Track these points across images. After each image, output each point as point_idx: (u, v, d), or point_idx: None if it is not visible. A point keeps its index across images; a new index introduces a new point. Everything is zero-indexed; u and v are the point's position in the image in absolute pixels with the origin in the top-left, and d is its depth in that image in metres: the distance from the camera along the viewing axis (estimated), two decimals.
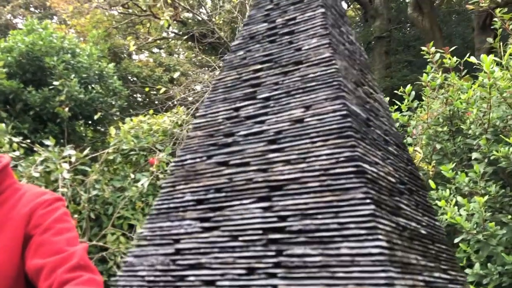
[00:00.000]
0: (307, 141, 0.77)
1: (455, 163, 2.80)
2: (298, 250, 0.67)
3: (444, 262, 0.85)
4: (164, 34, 9.33)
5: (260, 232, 0.72)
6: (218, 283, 0.71)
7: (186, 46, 10.20)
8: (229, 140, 0.86)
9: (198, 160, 0.87)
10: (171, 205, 0.85)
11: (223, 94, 0.93)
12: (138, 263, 0.81)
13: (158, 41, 9.63)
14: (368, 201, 0.66)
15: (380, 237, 0.62)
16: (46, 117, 4.47)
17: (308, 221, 0.69)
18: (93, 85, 4.80)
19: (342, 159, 0.71)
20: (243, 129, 0.85)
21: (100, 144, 4.91)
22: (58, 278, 1.02)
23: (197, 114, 0.95)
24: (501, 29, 3.27)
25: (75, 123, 4.66)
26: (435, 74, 3.77)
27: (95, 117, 4.43)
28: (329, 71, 0.81)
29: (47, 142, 3.69)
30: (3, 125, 3.61)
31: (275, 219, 0.72)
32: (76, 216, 3.28)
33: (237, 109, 0.90)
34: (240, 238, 0.74)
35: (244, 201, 0.77)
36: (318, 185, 0.71)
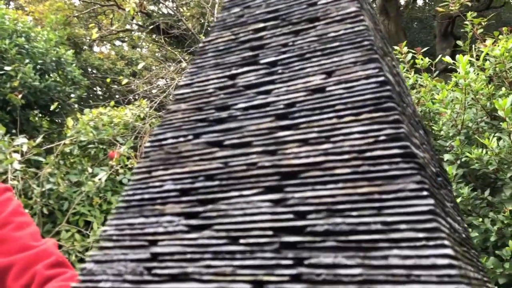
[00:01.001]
0: (332, 115, 0.59)
1: None
2: (327, 258, 0.49)
3: (482, 272, 0.69)
4: (128, 26, 8.98)
5: (270, 233, 0.54)
6: None
7: (150, 39, 9.85)
8: (223, 114, 0.67)
9: (182, 139, 0.68)
10: (146, 196, 0.65)
11: (214, 59, 0.74)
12: (100, 271, 0.61)
13: (122, 33, 9.26)
14: (425, 193, 0.48)
15: (445, 242, 0.45)
16: None
17: (338, 220, 0.51)
18: (50, 73, 4.46)
19: (382, 138, 0.54)
20: (242, 101, 0.67)
21: (57, 135, 4.57)
22: (38, 276, 1.00)
23: (180, 83, 0.75)
24: (471, 33, 3.24)
25: (29, 112, 4.31)
26: (407, 74, 3.69)
27: (52, 107, 4.11)
28: (357, 28, 0.63)
29: None
30: None
31: (290, 215, 0.54)
32: (27, 211, 3.00)
33: (232, 77, 0.71)
34: (242, 241, 0.55)
35: (246, 192, 0.58)
36: (349, 171, 0.53)
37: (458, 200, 2.25)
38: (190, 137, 0.67)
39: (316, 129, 0.59)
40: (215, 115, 0.67)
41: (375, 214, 0.49)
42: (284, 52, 0.68)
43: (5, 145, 3.07)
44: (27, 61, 4.15)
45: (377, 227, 0.48)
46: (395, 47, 3.74)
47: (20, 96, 3.85)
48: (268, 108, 0.64)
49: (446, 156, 2.61)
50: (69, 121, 3.68)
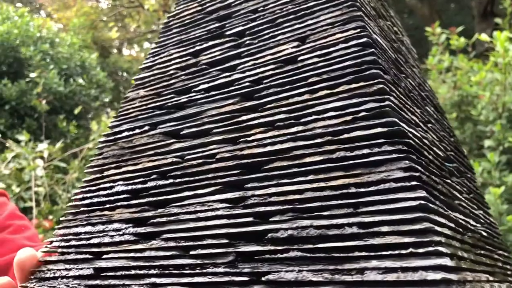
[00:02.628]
0: (304, 90, 0.47)
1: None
2: (289, 273, 0.37)
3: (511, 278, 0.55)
4: (154, 27, 9.00)
5: (225, 241, 0.43)
6: None
7: None
8: (183, 99, 0.56)
9: (137, 131, 0.58)
10: (95, 200, 0.55)
11: (178, 35, 0.63)
12: None
13: (149, 34, 9.30)
14: (414, 183, 0.36)
15: (440, 249, 0.33)
16: (23, 112, 4.14)
17: (305, 222, 0.39)
18: (75, 77, 4.47)
19: (362, 114, 0.42)
20: (204, 82, 0.56)
21: (84, 140, 4.58)
22: None
23: (140, 66, 0.65)
24: (510, 8, 3.02)
25: (55, 117, 4.33)
26: (442, 57, 3.48)
27: (76, 111, 4.11)
28: None
29: (20, 137, 3.39)
30: None
31: (249, 219, 0.43)
32: (51, 217, 2.99)
33: (196, 54, 0.60)
34: (192, 252, 0.44)
35: (200, 191, 0.47)
36: (321, 159, 0.42)
37: (501, 189, 2.06)
38: (146, 128, 0.57)
39: (284, 109, 0.47)
40: (174, 101, 0.57)
41: (350, 214, 0.38)
42: (253, 20, 0.57)
43: (28, 151, 3.07)
44: (51, 66, 4.16)
45: (352, 231, 0.37)
46: (427, 28, 3.54)
47: (44, 102, 3.86)
48: (232, 88, 0.53)
49: (487, 142, 2.43)
50: (94, 125, 3.66)
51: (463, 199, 0.51)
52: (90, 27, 6.35)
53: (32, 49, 4.17)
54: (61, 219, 0.58)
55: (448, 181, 0.48)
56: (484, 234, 0.52)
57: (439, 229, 0.35)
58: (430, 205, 0.36)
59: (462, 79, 3.28)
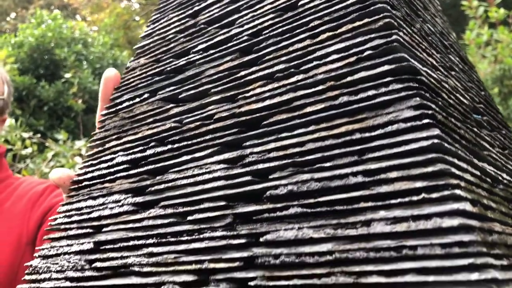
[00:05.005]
0: (304, 36, 0.42)
1: None
2: (288, 231, 0.33)
3: None
4: None
5: (223, 203, 0.39)
6: None
7: None
8: (182, 62, 0.52)
9: (137, 100, 0.55)
10: (96, 174, 0.53)
11: None
12: (45, 268, 0.50)
13: None
14: (426, 121, 0.31)
15: (458, 192, 0.28)
16: (61, 112, 4.25)
17: (305, 176, 0.35)
18: None
19: (367, 53, 0.37)
20: (202, 41, 0.52)
21: None
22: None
23: (141, 35, 0.62)
24: None
25: (92, 116, 4.41)
26: (480, 30, 3.33)
27: None
28: None
29: (59, 137, 3.48)
30: (13, 120, 3.41)
31: (247, 178, 0.39)
32: None
33: (195, 15, 0.56)
34: (190, 218, 0.41)
35: (198, 154, 0.44)
36: (323, 107, 0.37)
37: None
38: (146, 95, 0.54)
39: (284, 58, 0.43)
40: (172, 65, 0.53)
41: (354, 162, 0.33)
42: None
43: (67, 149, 3.14)
44: (85, 66, 4.25)
45: (357, 180, 0.32)
46: (464, 2, 3.38)
47: (80, 101, 3.94)
48: (230, 44, 0.49)
49: None
50: None
51: (495, 152, 0.45)
52: (124, 27, 6.44)
53: (66, 50, 4.26)
54: (64, 196, 0.56)
55: (475, 129, 0.42)
56: None
57: (457, 172, 0.30)
58: (446, 145, 0.31)
59: (503, 52, 3.12)
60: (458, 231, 0.27)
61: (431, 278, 0.26)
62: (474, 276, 0.25)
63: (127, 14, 8.37)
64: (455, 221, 0.27)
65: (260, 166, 0.38)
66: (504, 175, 0.43)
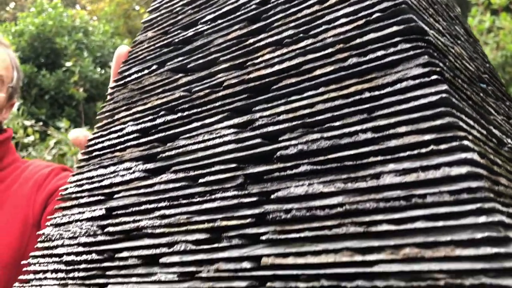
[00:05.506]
0: (313, 1, 0.43)
1: None
2: (299, 188, 0.34)
3: None
4: None
5: (233, 165, 0.40)
6: (163, 259, 0.40)
7: None
8: (190, 33, 0.53)
9: (146, 72, 0.55)
10: (106, 144, 0.53)
11: None
12: (57, 235, 0.51)
13: None
14: (434, 77, 0.32)
15: (466, 143, 0.29)
16: (62, 101, 4.25)
17: (315, 136, 0.36)
18: (109, 64, 4.54)
19: (376, 15, 0.37)
20: (210, 12, 0.53)
21: None
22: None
23: (148, 9, 0.62)
24: None
25: (93, 105, 4.42)
26: (482, 17, 3.31)
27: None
28: None
29: (61, 125, 3.49)
30: (15, 109, 3.42)
31: (257, 140, 0.39)
32: None
33: None
34: (201, 180, 0.41)
35: (208, 120, 0.45)
36: (333, 69, 0.38)
37: None
38: (154, 67, 0.54)
39: (293, 24, 0.43)
40: (180, 36, 0.54)
41: (364, 120, 0.34)
42: None
43: (68, 137, 3.15)
44: (85, 55, 4.24)
45: (366, 136, 0.33)
46: None
47: (81, 90, 3.94)
48: (238, 13, 0.49)
49: None
50: None
51: (500, 118, 0.46)
52: (124, 16, 6.41)
53: (66, 39, 4.25)
54: (75, 166, 0.57)
55: (481, 94, 0.43)
56: None
57: (465, 126, 0.31)
58: (454, 100, 0.32)
59: (505, 38, 3.12)
60: (467, 178, 0.27)
61: (440, 224, 0.27)
62: (482, 219, 0.26)
63: (127, 3, 8.33)
64: (463, 169, 0.28)
65: (270, 128, 0.39)
66: (510, 140, 0.44)
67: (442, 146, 0.29)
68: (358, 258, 0.29)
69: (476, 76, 0.47)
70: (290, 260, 0.32)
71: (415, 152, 0.30)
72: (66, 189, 0.54)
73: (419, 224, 0.28)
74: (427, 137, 0.30)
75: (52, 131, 3.41)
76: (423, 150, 0.30)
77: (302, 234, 0.32)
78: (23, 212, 1.02)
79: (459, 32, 0.53)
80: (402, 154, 0.31)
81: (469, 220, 0.26)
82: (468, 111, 0.34)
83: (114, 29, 4.86)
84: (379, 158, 0.32)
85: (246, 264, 0.34)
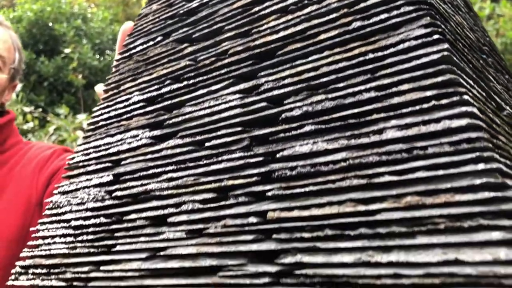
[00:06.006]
0: None
1: None
2: (303, 146, 0.35)
3: None
4: None
5: (239, 129, 0.41)
6: (171, 219, 0.41)
7: None
8: (194, 4, 0.54)
9: (151, 43, 0.56)
10: (112, 114, 0.54)
11: None
12: (65, 202, 0.52)
13: None
14: (436, 37, 0.33)
15: (466, 98, 0.30)
16: (61, 88, 4.24)
17: (319, 97, 0.37)
18: (108, 51, 4.53)
19: None
20: None
21: None
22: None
23: None
24: None
25: (92, 92, 4.41)
26: (482, 4, 3.31)
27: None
28: None
29: (60, 111, 3.49)
30: (14, 95, 3.42)
31: (262, 104, 0.40)
32: None
33: None
34: (208, 144, 0.43)
35: (214, 87, 0.46)
36: (337, 33, 0.39)
37: None
38: (159, 38, 0.55)
39: None
40: (185, 8, 0.55)
41: (367, 80, 0.35)
42: None
43: (68, 123, 3.15)
44: (84, 42, 4.23)
45: (370, 95, 0.34)
46: None
47: (80, 76, 3.93)
48: None
49: None
50: None
51: (499, 87, 0.47)
52: (122, 3, 6.39)
53: (65, 26, 4.23)
54: (82, 136, 0.58)
55: (481, 62, 0.44)
56: None
57: (465, 84, 0.32)
58: (455, 59, 0.33)
59: (505, 26, 3.12)
60: (466, 129, 0.29)
61: (440, 172, 0.28)
62: (480, 166, 0.27)
63: None
64: (463, 121, 0.29)
65: (275, 92, 0.40)
66: (508, 108, 0.45)
67: (443, 101, 0.30)
68: (361, 208, 0.30)
69: (477, 46, 0.48)
70: (295, 213, 0.33)
71: (417, 107, 0.31)
72: (73, 158, 0.55)
73: (420, 174, 0.29)
74: (428, 93, 0.31)
75: (51, 117, 3.42)
76: (425, 106, 0.31)
77: (306, 189, 0.33)
78: (26, 192, 1.04)
79: (460, 4, 0.54)
80: (404, 110, 0.32)
81: (468, 168, 0.27)
82: (468, 72, 0.35)
83: (113, 16, 4.84)
84: (382, 115, 0.33)
85: (253, 219, 0.35)
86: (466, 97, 0.30)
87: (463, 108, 0.29)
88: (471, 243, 0.25)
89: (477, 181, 0.27)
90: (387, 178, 0.30)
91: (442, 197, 0.27)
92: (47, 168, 1.07)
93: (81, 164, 0.54)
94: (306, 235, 0.32)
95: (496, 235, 0.25)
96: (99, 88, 0.60)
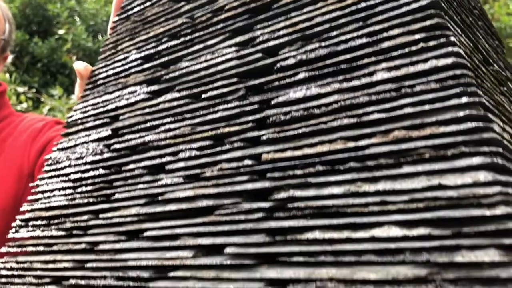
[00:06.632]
0: None
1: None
2: (297, 92, 0.37)
3: None
4: None
5: (235, 80, 0.42)
6: (169, 166, 0.42)
7: None
8: None
9: (148, 4, 0.57)
10: (110, 73, 0.55)
11: None
12: (64, 157, 0.53)
13: None
14: None
15: (452, 39, 0.31)
16: (55, 69, 4.22)
17: (313, 45, 0.38)
18: (102, 33, 4.50)
19: None
20: None
21: None
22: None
23: None
24: None
25: None
26: None
27: None
28: None
29: (54, 92, 3.47)
30: (7, 75, 3.40)
31: (258, 55, 0.42)
32: None
33: None
34: (204, 96, 0.44)
35: (210, 42, 0.47)
36: None
37: None
38: None
39: None
40: None
41: (359, 27, 0.36)
42: None
43: (62, 104, 3.14)
44: (78, 23, 4.20)
45: (362, 41, 0.35)
46: None
47: (74, 58, 3.91)
48: None
49: None
50: None
51: (487, 46, 0.48)
52: None
53: (59, 6, 4.20)
54: (80, 95, 0.59)
55: (471, 19, 0.45)
56: None
57: (453, 29, 0.33)
58: (443, 5, 0.34)
59: (500, 10, 3.13)
60: (452, 67, 0.30)
61: (426, 107, 0.30)
62: (464, 99, 0.28)
63: None
64: (449, 60, 0.30)
65: (271, 43, 0.41)
66: (495, 65, 0.47)
67: (431, 43, 0.32)
68: (351, 144, 0.32)
69: (467, 6, 0.49)
70: (288, 154, 0.35)
71: (406, 50, 0.33)
72: (71, 116, 0.56)
73: (407, 110, 0.30)
74: (417, 36, 0.33)
75: (45, 98, 3.40)
76: (413, 48, 0.32)
77: (299, 131, 0.35)
78: (18, 163, 1.04)
79: None
80: (394, 53, 0.33)
81: (452, 102, 0.29)
82: (456, 21, 0.36)
83: None
84: (373, 59, 0.34)
85: (248, 161, 0.37)
86: (452, 38, 0.31)
87: (449, 48, 0.31)
88: (454, 169, 0.27)
89: (461, 113, 0.28)
90: (376, 116, 0.32)
91: (428, 129, 0.29)
92: (39, 139, 1.08)
93: (79, 121, 0.55)
94: (298, 172, 0.33)
95: (476, 160, 0.26)
96: (79, 65, 0.61)
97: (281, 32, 0.41)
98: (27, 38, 4.13)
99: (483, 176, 0.26)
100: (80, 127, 0.54)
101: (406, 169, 0.29)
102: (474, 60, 0.35)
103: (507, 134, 0.31)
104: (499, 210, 0.25)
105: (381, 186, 0.29)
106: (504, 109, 0.36)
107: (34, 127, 1.10)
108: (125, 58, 0.55)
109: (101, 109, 0.53)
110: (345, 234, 0.29)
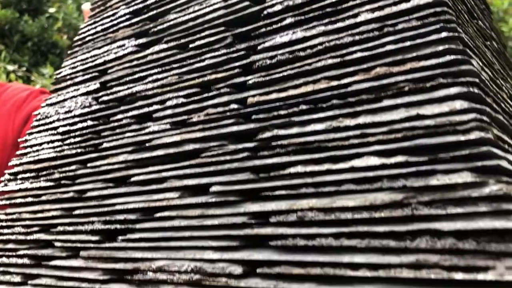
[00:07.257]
0: None
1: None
2: (283, 37, 0.37)
3: None
4: None
5: (222, 28, 0.42)
6: (156, 114, 0.43)
7: None
8: None
9: None
10: (99, 29, 0.55)
11: None
12: (53, 112, 0.53)
13: None
14: None
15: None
16: (46, 48, 4.18)
17: None
18: None
19: None
20: None
21: None
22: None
23: None
24: None
25: None
26: None
27: None
28: None
29: (44, 71, 3.44)
30: None
31: (245, 3, 0.42)
32: None
33: None
34: (192, 45, 0.44)
35: None
36: None
37: None
38: None
39: None
40: None
41: None
42: None
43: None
44: (69, 1, 4.15)
45: None
46: None
47: (65, 37, 3.87)
48: None
49: None
50: None
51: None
52: None
53: None
54: (68, 52, 0.59)
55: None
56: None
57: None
58: None
59: None
60: (433, 5, 0.31)
61: (407, 43, 0.30)
62: (444, 34, 0.29)
63: None
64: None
65: None
66: (480, 22, 0.47)
67: None
68: (334, 83, 0.32)
69: None
70: (273, 96, 0.35)
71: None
72: (60, 73, 0.56)
73: (389, 47, 0.31)
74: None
75: (35, 77, 3.37)
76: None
77: (284, 73, 0.35)
78: (2, 132, 1.04)
79: None
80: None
81: (432, 37, 0.29)
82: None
83: None
84: (357, 1, 0.34)
85: (233, 106, 0.37)
86: None
87: None
88: (432, 99, 0.28)
89: (440, 48, 0.29)
90: (359, 54, 0.32)
91: (408, 64, 0.30)
92: (24, 108, 1.08)
93: (68, 77, 0.55)
94: (282, 112, 0.34)
95: (454, 90, 0.27)
96: (87, 6, 0.61)
97: None
98: (17, 16, 4.08)
99: (459, 104, 0.26)
100: (69, 82, 0.54)
101: (386, 102, 0.29)
102: (457, 6, 0.36)
103: (485, 74, 0.32)
104: (473, 135, 0.25)
105: (361, 119, 0.30)
106: (485, 55, 0.37)
107: (18, 96, 1.10)
108: (114, 14, 0.55)
109: (90, 64, 0.53)
110: (325, 166, 0.30)
